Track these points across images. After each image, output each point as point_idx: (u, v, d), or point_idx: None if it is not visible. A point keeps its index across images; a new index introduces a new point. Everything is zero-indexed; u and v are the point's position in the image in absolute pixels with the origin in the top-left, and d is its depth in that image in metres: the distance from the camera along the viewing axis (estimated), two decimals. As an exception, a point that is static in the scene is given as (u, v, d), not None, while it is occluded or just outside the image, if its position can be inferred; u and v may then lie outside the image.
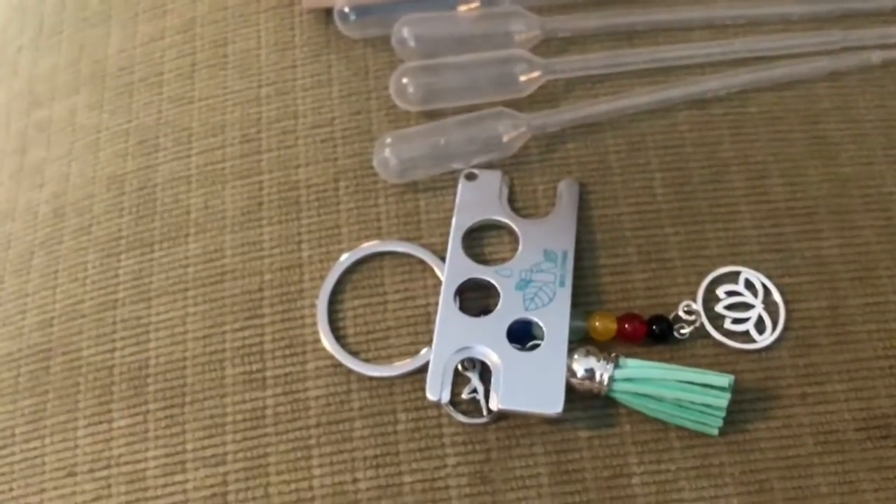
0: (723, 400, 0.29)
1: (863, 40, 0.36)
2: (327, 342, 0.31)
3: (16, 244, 0.36)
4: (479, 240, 0.33)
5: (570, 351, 0.30)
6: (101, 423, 0.31)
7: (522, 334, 0.30)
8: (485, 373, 0.30)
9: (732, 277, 0.32)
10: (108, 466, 0.31)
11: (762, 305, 0.31)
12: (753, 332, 0.31)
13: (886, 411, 0.30)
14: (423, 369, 0.30)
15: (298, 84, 0.36)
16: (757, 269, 0.32)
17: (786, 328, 0.31)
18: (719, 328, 0.31)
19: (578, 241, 0.32)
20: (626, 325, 0.30)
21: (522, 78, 0.35)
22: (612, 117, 0.35)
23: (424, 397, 0.30)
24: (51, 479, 0.31)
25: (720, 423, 0.29)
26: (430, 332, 0.31)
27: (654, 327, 0.30)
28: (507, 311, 0.30)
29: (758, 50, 0.36)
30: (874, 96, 0.35)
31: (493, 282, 0.31)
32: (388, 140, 0.34)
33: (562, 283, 0.31)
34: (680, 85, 0.35)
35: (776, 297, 0.31)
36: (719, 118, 0.35)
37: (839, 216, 0.33)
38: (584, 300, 0.31)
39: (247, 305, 0.32)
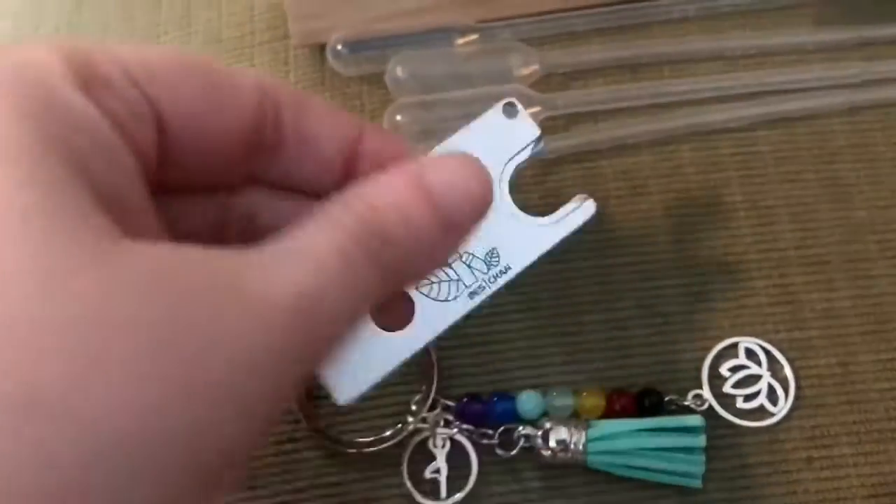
0: (699, 440, 0.28)
1: (884, 73, 0.34)
2: (301, 414, 0.30)
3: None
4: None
5: (540, 424, 0.29)
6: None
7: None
8: (452, 455, 0.29)
9: (732, 351, 0.30)
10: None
11: (769, 373, 0.30)
12: (768, 405, 0.29)
13: (897, 477, 0.29)
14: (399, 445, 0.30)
15: (292, 124, 0.35)
16: (764, 322, 0.31)
17: (796, 394, 0.30)
18: (730, 407, 0.30)
19: (571, 292, 0.31)
20: (616, 404, 0.29)
21: (521, 114, 0.33)
22: (613, 158, 0.33)
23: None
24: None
25: (702, 468, 0.28)
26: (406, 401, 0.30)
27: (644, 401, 0.29)
28: None
29: (770, 84, 0.34)
30: (894, 133, 0.33)
31: None
32: None
33: (472, 295, 0.26)
34: (684, 116, 0.33)
35: (781, 360, 0.30)
36: (727, 158, 0.33)
37: (853, 265, 0.31)
38: (576, 358, 0.31)
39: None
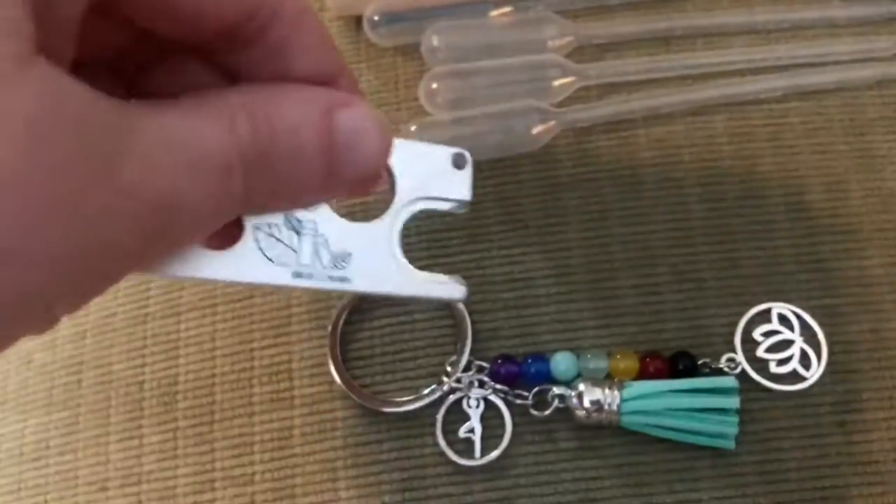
0: (733, 401, 0.28)
1: (914, 46, 0.34)
2: (335, 373, 0.31)
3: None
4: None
5: (574, 385, 0.29)
6: (132, 438, 0.32)
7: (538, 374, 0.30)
8: (486, 416, 0.30)
9: (765, 316, 0.31)
10: (139, 482, 0.31)
11: (801, 338, 0.30)
12: (801, 370, 0.30)
13: (929, 441, 0.29)
14: (432, 405, 0.30)
15: (327, 93, 0.36)
16: (796, 289, 0.31)
17: (830, 353, 0.30)
18: (762, 371, 0.30)
19: (606, 257, 0.32)
20: (649, 367, 0.29)
21: (555, 83, 0.34)
22: (647, 127, 0.34)
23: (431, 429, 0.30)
24: (84, 493, 0.31)
25: (735, 430, 0.28)
26: (442, 359, 0.30)
27: (678, 364, 0.29)
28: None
29: (801, 56, 0.34)
30: (924, 106, 0.34)
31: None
32: (413, 128, 0.33)
33: (296, 275, 0.23)
34: (717, 87, 0.34)
35: (813, 325, 0.30)
36: (759, 130, 0.33)
37: (883, 234, 0.32)
38: (609, 322, 0.31)
39: (275, 323, 0.32)
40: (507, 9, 0.35)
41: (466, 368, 0.30)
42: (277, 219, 0.23)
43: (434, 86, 0.34)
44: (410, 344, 0.31)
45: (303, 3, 0.22)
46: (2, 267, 0.16)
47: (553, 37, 0.35)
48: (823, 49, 0.34)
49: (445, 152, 0.25)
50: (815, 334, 0.30)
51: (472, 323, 0.31)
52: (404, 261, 0.24)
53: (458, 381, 0.30)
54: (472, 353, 0.30)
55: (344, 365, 0.31)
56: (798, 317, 0.30)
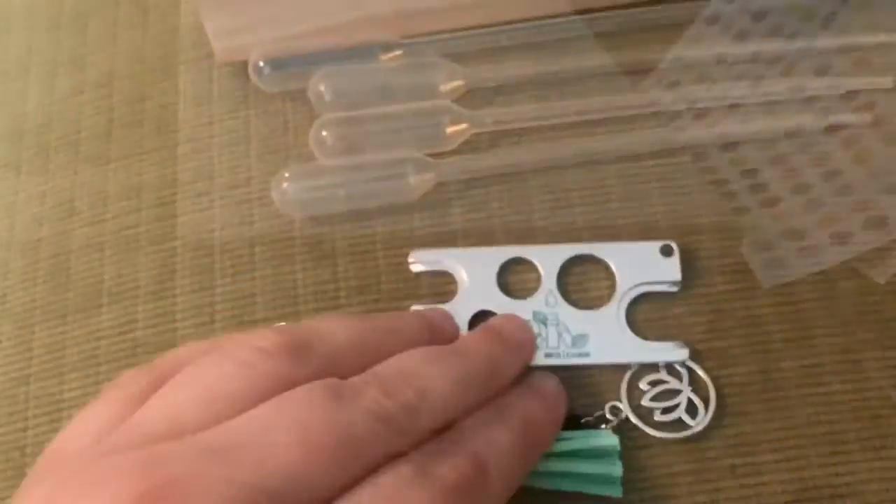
0: (616, 468, 0.28)
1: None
2: None
3: (-68, 313, 0.35)
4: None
5: None
6: (12, 507, 0.30)
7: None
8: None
9: (652, 366, 0.30)
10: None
11: (689, 388, 0.30)
12: (686, 419, 0.29)
13: (818, 482, 0.29)
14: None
15: (216, 141, 0.35)
16: (685, 332, 0.31)
17: (718, 403, 0.29)
18: (646, 419, 0.29)
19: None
20: None
21: (448, 130, 0.33)
22: (536, 171, 0.33)
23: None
24: (-38, 567, 0.30)
25: (620, 490, 0.28)
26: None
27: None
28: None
29: (701, 99, 0.34)
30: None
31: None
32: (287, 174, 0.32)
33: (547, 356, 0.30)
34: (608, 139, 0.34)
35: (701, 374, 0.30)
36: (649, 170, 0.33)
37: (771, 273, 0.32)
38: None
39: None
40: (396, 52, 0.35)
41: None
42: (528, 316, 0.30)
43: (323, 133, 0.33)
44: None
45: None
46: None
47: (444, 81, 0.34)
48: (724, 92, 0.34)
49: (654, 245, 0.31)
50: (704, 382, 0.30)
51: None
52: (632, 335, 0.30)
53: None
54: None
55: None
56: (687, 367, 0.30)
